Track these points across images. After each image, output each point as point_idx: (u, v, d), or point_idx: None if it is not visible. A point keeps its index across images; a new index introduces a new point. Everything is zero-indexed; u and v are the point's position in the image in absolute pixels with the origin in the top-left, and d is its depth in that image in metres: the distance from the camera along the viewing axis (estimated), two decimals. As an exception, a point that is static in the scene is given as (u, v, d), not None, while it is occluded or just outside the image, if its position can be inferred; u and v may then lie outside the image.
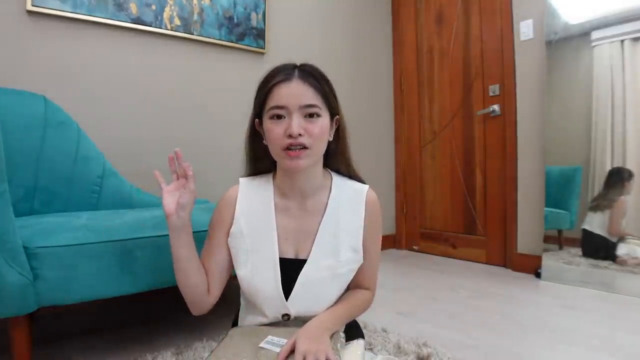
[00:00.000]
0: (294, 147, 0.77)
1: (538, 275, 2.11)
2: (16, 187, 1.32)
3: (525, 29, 2.25)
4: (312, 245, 0.85)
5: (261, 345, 0.74)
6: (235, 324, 0.95)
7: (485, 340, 1.32)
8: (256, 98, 0.85)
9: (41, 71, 1.63)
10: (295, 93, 0.78)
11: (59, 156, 1.47)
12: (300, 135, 0.77)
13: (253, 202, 0.88)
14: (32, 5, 1.58)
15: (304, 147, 0.78)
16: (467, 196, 2.61)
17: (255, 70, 0.87)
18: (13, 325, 0.98)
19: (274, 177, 0.91)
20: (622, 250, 1.90)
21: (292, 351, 0.71)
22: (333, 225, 0.86)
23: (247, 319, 0.89)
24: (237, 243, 0.86)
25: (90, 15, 1.72)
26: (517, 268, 2.28)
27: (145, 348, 1.24)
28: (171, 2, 1.94)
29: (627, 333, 1.37)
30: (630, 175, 1.89)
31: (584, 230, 2.02)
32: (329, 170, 0.92)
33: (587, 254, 2.00)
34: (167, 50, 1.96)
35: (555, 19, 2.11)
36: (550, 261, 2.09)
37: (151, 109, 1.91)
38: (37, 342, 1.13)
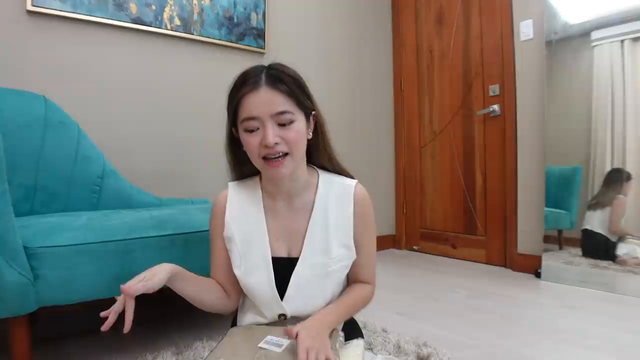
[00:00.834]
0: (272, 157, 0.77)
1: (538, 275, 2.11)
2: (16, 187, 1.32)
3: (525, 29, 2.25)
4: (302, 244, 0.85)
5: (260, 345, 0.74)
6: (234, 324, 0.95)
7: (485, 340, 1.32)
8: (228, 108, 0.83)
9: (41, 71, 1.63)
10: (264, 102, 0.76)
11: (59, 156, 1.47)
12: (276, 143, 0.76)
13: (242, 205, 0.88)
14: (32, 5, 1.58)
15: (284, 154, 0.77)
16: (467, 196, 2.61)
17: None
18: (13, 325, 0.98)
19: (261, 180, 0.91)
20: (622, 250, 1.90)
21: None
22: (322, 223, 0.86)
23: (246, 317, 0.89)
24: (231, 246, 0.87)
25: (90, 15, 1.72)
26: (517, 268, 2.28)
27: (145, 348, 1.24)
28: (171, 2, 1.94)
29: (627, 333, 1.37)
30: (628, 176, 1.89)
31: (584, 230, 2.02)
32: (315, 167, 0.91)
33: (587, 254, 2.00)
34: (167, 50, 1.96)
35: (555, 19, 2.11)
36: (550, 261, 2.09)
37: (151, 109, 1.91)
38: (37, 342, 1.13)
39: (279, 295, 0.83)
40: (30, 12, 1.60)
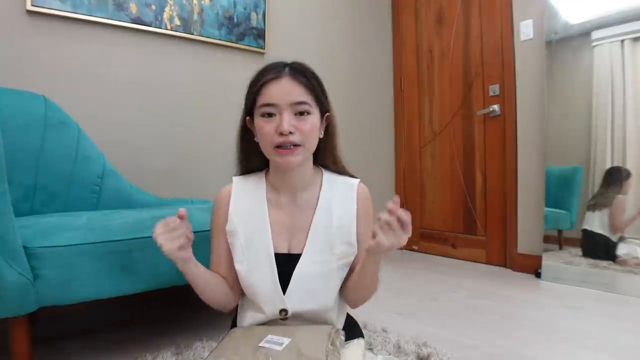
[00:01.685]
0: (285, 145, 0.78)
1: (538, 275, 2.11)
2: (16, 187, 1.32)
3: (525, 29, 2.25)
4: (305, 240, 0.85)
5: (261, 344, 0.74)
6: (234, 324, 0.95)
7: (485, 340, 1.32)
8: (247, 96, 0.86)
9: (41, 71, 1.63)
10: (285, 90, 0.79)
11: (59, 156, 1.47)
12: (291, 132, 0.78)
13: (246, 199, 0.89)
14: (32, 5, 1.58)
15: (296, 145, 0.79)
16: (467, 196, 2.61)
17: (255, 70, 0.87)
18: (13, 325, 0.98)
19: (266, 174, 0.92)
20: (622, 250, 1.90)
21: None
22: (326, 220, 0.87)
23: (245, 317, 0.89)
24: (233, 240, 0.87)
25: (90, 15, 1.72)
26: (517, 268, 2.28)
27: (145, 348, 1.24)
28: (171, 2, 1.94)
29: (627, 333, 1.37)
30: (628, 174, 1.89)
31: (584, 230, 2.02)
32: (319, 166, 0.93)
33: (587, 254, 2.00)
34: (167, 50, 1.96)
35: (555, 19, 2.11)
36: (550, 261, 2.09)
37: (151, 109, 1.92)
38: (37, 342, 1.13)
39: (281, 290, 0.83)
40: (30, 12, 1.60)
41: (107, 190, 1.59)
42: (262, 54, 2.26)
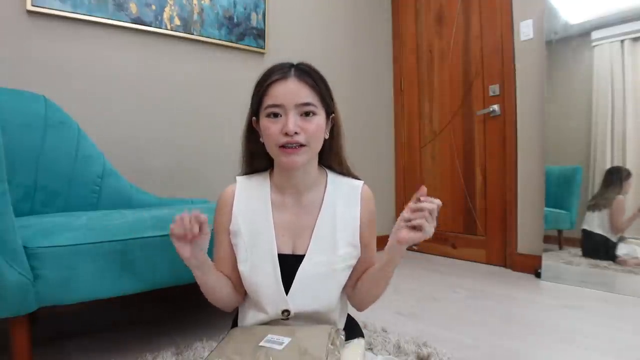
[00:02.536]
0: (290, 145, 0.79)
1: (538, 275, 2.11)
2: (16, 187, 1.32)
3: (525, 29, 2.25)
4: (309, 241, 0.85)
5: (261, 344, 0.74)
6: (235, 324, 0.95)
7: (485, 340, 1.32)
8: (253, 96, 0.86)
9: (41, 71, 1.63)
10: (291, 91, 0.79)
11: (59, 156, 1.47)
12: (296, 133, 0.78)
13: (250, 199, 0.89)
14: (32, 5, 1.58)
15: (301, 145, 0.79)
16: (467, 196, 2.61)
17: (255, 70, 0.87)
18: (13, 325, 0.98)
19: (270, 174, 0.92)
20: (622, 250, 1.90)
21: None
22: (330, 221, 0.87)
23: (247, 316, 0.89)
24: (237, 240, 0.87)
25: (90, 15, 1.72)
26: (517, 268, 2.28)
27: (145, 348, 1.24)
28: (171, 2, 1.94)
29: (627, 333, 1.37)
30: (628, 174, 1.89)
31: (584, 230, 2.02)
32: (324, 167, 0.93)
33: (587, 254, 2.00)
34: (167, 50, 1.96)
35: (555, 19, 2.11)
36: (550, 261, 2.09)
37: (151, 109, 1.92)
38: (37, 342, 1.13)
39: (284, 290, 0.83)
40: (30, 12, 1.60)
41: (107, 190, 1.58)
42: (262, 54, 2.26)
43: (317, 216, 0.87)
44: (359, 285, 0.90)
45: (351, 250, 0.87)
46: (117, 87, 1.82)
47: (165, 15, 1.93)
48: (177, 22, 1.96)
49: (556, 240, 2.14)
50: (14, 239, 0.91)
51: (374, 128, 2.92)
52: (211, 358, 0.73)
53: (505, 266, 2.38)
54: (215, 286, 0.86)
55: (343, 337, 0.82)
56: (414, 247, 2.89)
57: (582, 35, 2.02)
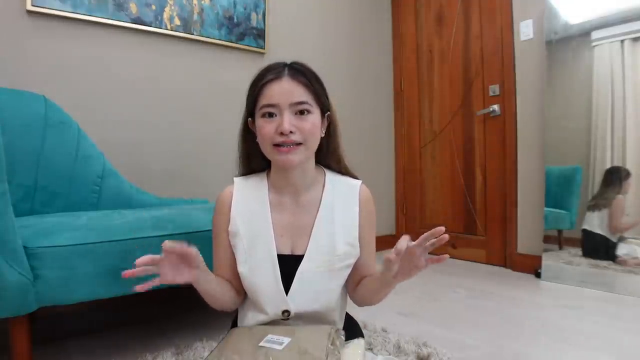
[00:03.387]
0: (286, 145, 0.79)
1: (538, 275, 2.11)
2: (16, 187, 1.32)
3: (525, 29, 2.25)
4: (308, 241, 0.85)
5: (261, 344, 0.74)
6: (235, 324, 0.95)
7: (485, 340, 1.32)
8: (248, 97, 0.86)
9: (41, 71, 1.63)
10: (285, 91, 0.80)
11: (59, 156, 1.47)
12: (291, 132, 0.78)
13: (248, 200, 0.89)
14: (32, 5, 1.58)
15: (297, 144, 0.80)
16: (467, 196, 2.61)
17: (255, 70, 0.87)
18: (13, 325, 0.98)
19: (268, 175, 0.92)
20: (622, 250, 1.90)
21: None
22: (328, 221, 0.87)
23: (247, 317, 0.89)
24: (236, 241, 0.87)
25: (90, 15, 1.72)
26: (517, 268, 2.28)
27: (145, 348, 1.24)
28: (171, 2, 1.93)
29: (627, 333, 1.37)
30: (627, 174, 1.89)
31: (584, 230, 2.02)
32: (322, 167, 0.93)
33: (587, 254, 2.00)
34: (167, 50, 1.96)
35: (555, 19, 2.11)
36: (550, 261, 2.09)
37: (151, 109, 1.91)
38: (37, 342, 1.13)
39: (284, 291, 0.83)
40: (30, 12, 1.60)
41: (107, 190, 1.58)
42: (262, 54, 2.26)
43: (316, 216, 0.87)
44: (360, 289, 0.91)
45: (350, 250, 0.87)
46: (117, 87, 1.82)
47: (165, 15, 1.92)
48: (177, 22, 1.96)
49: (556, 240, 2.14)
50: (14, 239, 0.91)
51: (374, 128, 2.92)
52: (211, 358, 0.73)
53: (505, 266, 2.38)
54: (217, 292, 0.85)
55: (343, 337, 0.82)
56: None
57: (582, 35, 2.02)
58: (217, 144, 2.09)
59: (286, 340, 0.74)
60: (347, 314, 0.97)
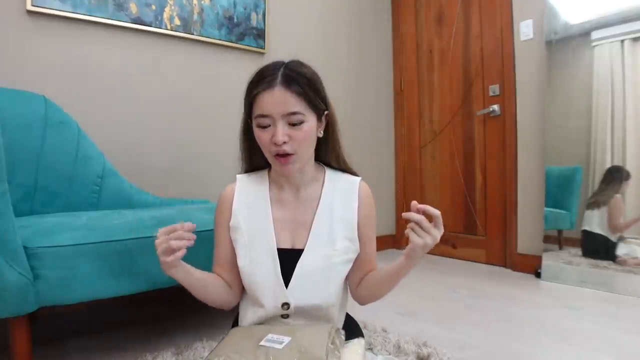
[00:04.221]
0: (281, 154, 0.81)
1: (538, 275, 2.11)
2: (16, 187, 1.32)
3: (525, 29, 2.25)
4: (308, 235, 0.86)
5: (261, 343, 0.74)
6: (235, 324, 0.95)
7: (485, 340, 1.32)
8: (245, 99, 0.87)
9: (41, 71, 1.63)
10: (277, 102, 0.79)
11: (59, 156, 1.47)
12: (285, 142, 0.80)
13: (249, 195, 0.91)
14: (32, 5, 1.58)
15: (290, 154, 0.81)
16: (467, 196, 2.61)
17: (253, 71, 0.87)
18: (13, 325, 0.98)
19: (269, 171, 0.94)
20: (622, 250, 1.90)
21: None
22: (328, 215, 0.88)
23: (247, 315, 0.90)
24: (236, 236, 0.88)
25: (90, 15, 1.72)
26: (517, 268, 2.28)
27: (145, 348, 1.24)
28: (171, 2, 1.93)
29: (627, 333, 1.37)
30: (627, 175, 1.90)
31: (584, 231, 2.02)
32: (321, 164, 0.95)
33: (587, 254, 2.00)
34: (167, 50, 1.96)
35: (555, 19, 2.11)
36: (550, 261, 2.09)
37: (151, 109, 1.91)
38: (37, 342, 1.13)
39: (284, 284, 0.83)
40: (30, 12, 1.60)
41: (107, 190, 1.58)
42: (262, 54, 2.26)
43: (316, 211, 0.88)
44: (364, 285, 0.91)
45: (349, 245, 0.88)
46: (117, 87, 1.82)
47: (165, 15, 1.92)
48: (177, 22, 1.96)
49: (556, 240, 2.14)
50: (14, 239, 0.91)
51: (374, 128, 2.92)
52: (211, 358, 0.73)
53: (505, 266, 2.38)
54: (200, 287, 0.85)
55: (343, 337, 0.82)
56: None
57: (582, 35, 2.02)
58: (217, 144, 2.09)
59: (286, 339, 0.74)
60: (347, 314, 0.98)
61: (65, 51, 1.69)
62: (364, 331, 1.07)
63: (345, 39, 2.73)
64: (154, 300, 1.72)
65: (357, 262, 0.90)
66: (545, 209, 2.14)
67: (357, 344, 0.86)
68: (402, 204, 2.99)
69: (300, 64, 0.85)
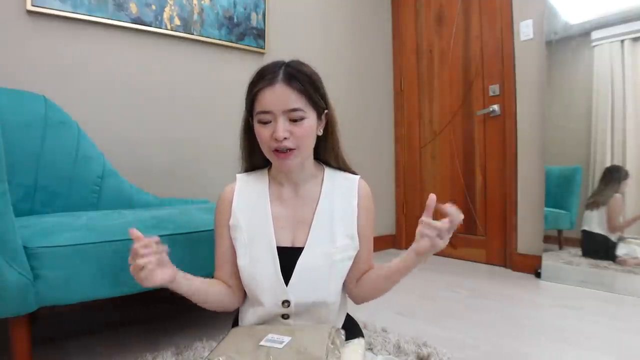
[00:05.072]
0: (281, 149, 0.82)
1: (538, 275, 2.11)
2: (16, 187, 1.32)
3: (525, 29, 2.25)
4: (308, 233, 0.87)
5: (262, 343, 0.74)
6: (235, 323, 0.95)
7: (485, 340, 1.32)
8: (246, 98, 0.88)
9: (41, 71, 1.63)
10: (279, 98, 0.81)
11: (59, 156, 1.47)
12: (285, 138, 0.80)
13: (249, 194, 0.91)
14: (32, 5, 1.58)
15: (291, 149, 0.82)
16: (467, 196, 2.61)
17: (255, 70, 0.88)
18: (13, 325, 0.98)
19: (269, 169, 0.95)
20: (622, 250, 1.90)
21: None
22: (328, 213, 0.88)
23: (247, 314, 0.90)
24: (236, 235, 0.88)
25: (90, 15, 1.72)
26: (517, 268, 2.28)
27: (145, 348, 1.24)
28: (171, 2, 1.93)
29: (627, 333, 1.37)
30: (626, 174, 1.90)
31: (584, 231, 2.02)
32: (321, 162, 0.95)
33: (587, 254, 2.00)
34: (167, 50, 1.96)
35: (555, 19, 2.11)
36: (550, 261, 2.09)
37: (151, 109, 1.91)
38: (37, 342, 1.13)
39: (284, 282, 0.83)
40: (30, 12, 1.60)
41: (107, 190, 1.58)
42: (262, 54, 2.26)
43: (315, 209, 0.89)
44: (362, 284, 0.91)
45: (349, 242, 0.88)
46: (117, 87, 1.82)
47: (165, 15, 1.92)
48: (177, 22, 1.96)
49: (556, 240, 2.14)
50: (14, 239, 0.91)
51: (374, 128, 2.92)
52: (211, 358, 0.73)
53: (505, 266, 2.38)
54: (199, 294, 0.85)
55: (343, 337, 0.82)
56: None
57: (582, 35, 2.02)
58: (217, 144, 2.09)
59: (286, 339, 0.74)
60: (347, 314, 0.98)
61: (65, 51, 1.69)
62: (364, 331, 1.07)
63: (345, 39, 2.73)
64: (154, 300, 1.72)
65: (355, 261, 0.90)
66: (545, 209, 2.14)
67: (357, 344, 0.87)
68: (402, 204, 2.99)
69: (300, 63, 0.87)
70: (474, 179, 2.57)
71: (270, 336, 0.76)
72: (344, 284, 0.92)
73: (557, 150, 2.12)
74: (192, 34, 2.01)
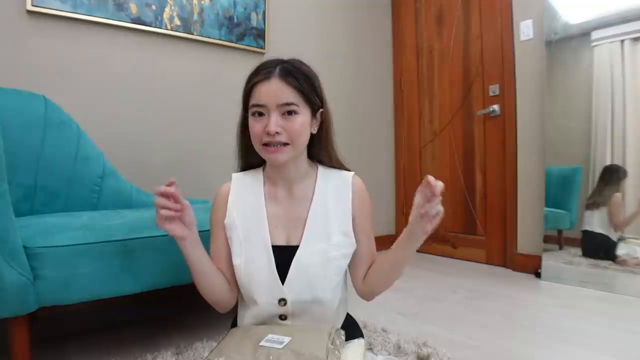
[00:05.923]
0: (272, 144, 0.82)
1: (538, 275, 2.11)
2: (16, 187, 1.32)
3: (525, 29, 2.25)
4: (303, 231, 0.87)
5: (261, 343, 0.74)
6: (235, 324, 0.95)
7: (485, 340, 1.32)
8: (243, 93, 0.88)
9: (41, 71, 1.63)
10: (273, 92, 0.81)
11: (59, 156, 1.47)
12: (277, 133, 0.81)
13: (244, 193, 0.91)
14: (32, 5, 1.58)
15: (284, 144, 0.82)
16: (467, 196, 2.61)
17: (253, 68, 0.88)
18: (13, 325, 0.98)
19: (264, 168, 0.95)
20: (622, 250, 1.90)
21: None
22: (322, 211, 0.89)
23: (245, 314, 0.90)
24: (231, 234, 0.88)
25: (90, 15, 1.72)
26: (517, 268, 2.28)
27: (145, 348, 1.24)
28: (171, 2, 1.94)
29: (627, 333, 1.37)
30: (625, 173, 1.90)
31: (584, 230, 2.02)
32: (314, 161, 0.95)
33: (587, 254, 2.00)
34: (167, 50, 1.96)
35: (555, 19, 2.11)
36: (550, 261, 2.09)
37: (151, 109, 1.92)
38: (37, 342, 1.13)
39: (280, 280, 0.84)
40: (30, 12, 1.60)
41: (107, 190, 1.58)
42: (262, 54, 2.26)
43: (309, 207, 0.89)
44: (369, 279, 0.92)
45: (344, 239, 0.88)
46: (117, 87, 1.82)
47: (165, 15, 1.93)
48: (177, 22, 1.96)
49: (556, 240, 2.14)
50: (14, 239, 0.91)
51: (374, 128, 2.92)
52: (211, 358, 0.73)
53: (505, 266, 2.38)
54: (204, 275, 0.86)
55: (343, 337, 0.82)
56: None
57: (582, 35, 2.02)
58: (217, 144, 2.09)
59: (286, 339, 0.74)
60: (347, 314, 0.98)
61: (65, 51, 1.69)
62: (364, 331, 1.07)
63: (345, 39, 2.73)
64: (154, 300, 1.71)
65: (359, 257, 0.91)
66: (545, 209, 2.14)
67: (358, 344, 0.86)
68: (402, 204, 2.99)
69: (299, 61, 0.87)
70: (474, 179, 2.57)
71: (270, 337, 0.76)
72: (346, 283, 0.92)
73: (557, 150, 2.12)
74: (192, 34, 2.01)
